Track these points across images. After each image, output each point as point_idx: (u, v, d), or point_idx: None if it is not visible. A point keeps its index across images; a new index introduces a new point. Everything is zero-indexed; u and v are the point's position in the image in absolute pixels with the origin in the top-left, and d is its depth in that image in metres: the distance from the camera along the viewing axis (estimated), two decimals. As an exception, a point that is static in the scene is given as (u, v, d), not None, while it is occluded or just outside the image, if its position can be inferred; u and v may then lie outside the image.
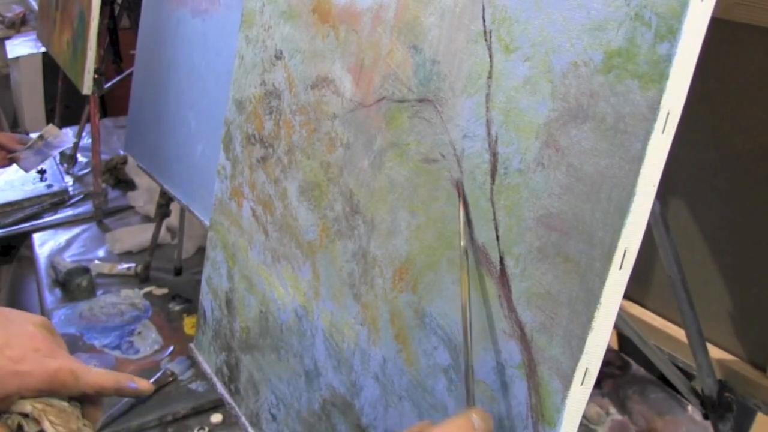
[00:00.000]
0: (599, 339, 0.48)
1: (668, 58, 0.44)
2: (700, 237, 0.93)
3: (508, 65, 0.55)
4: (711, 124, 0.87)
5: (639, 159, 0.45)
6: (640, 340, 0.79)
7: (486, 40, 0.57)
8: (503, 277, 0.54)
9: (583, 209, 0.48)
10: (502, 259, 0.55)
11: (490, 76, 0.56)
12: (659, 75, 0.44)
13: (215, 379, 1.03)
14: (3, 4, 3.98)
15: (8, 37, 3.59)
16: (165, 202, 1.66)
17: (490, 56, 0.56)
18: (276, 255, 0.86)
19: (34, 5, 3.60)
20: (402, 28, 0.66)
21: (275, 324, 0.87)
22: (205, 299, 1.06)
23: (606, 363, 1.42)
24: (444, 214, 0.60)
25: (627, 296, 1.04)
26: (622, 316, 0.85)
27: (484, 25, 0.57)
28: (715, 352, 0.90)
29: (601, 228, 0.47)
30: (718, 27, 0.48)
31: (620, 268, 0.46)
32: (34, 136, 1.71)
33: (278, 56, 0.86)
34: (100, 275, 1.77)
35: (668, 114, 0.44)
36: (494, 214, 0.55)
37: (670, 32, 0.44)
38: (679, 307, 0.77)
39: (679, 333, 0.94)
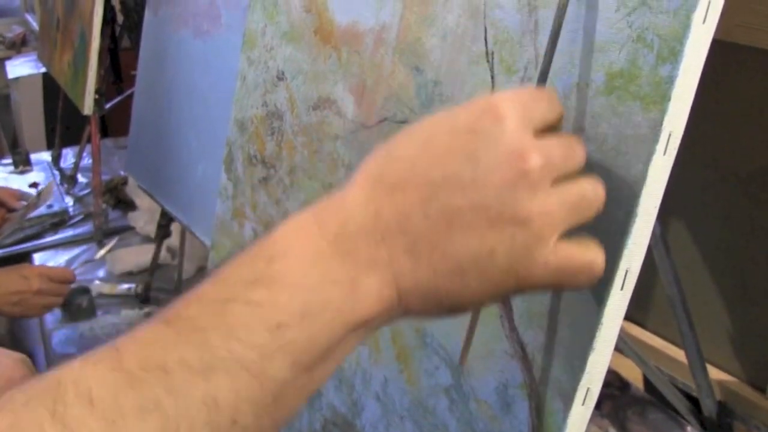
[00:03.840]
0: (601, 359, 0.48)
1: (670, 80, 0.44)
2: (699, 258, 0.93)
3: (510, 86, 0.55)
4: (711, 144, 0.88)
5: (641, 180, 0.45)
6: (640, 361, 0.79)
7: (488, 61, 0.57)
8: (504, 297, 0.55)
9: (584, 229, 0.49)
10: (504, 279, 0.55)
11: (491, 98, 0.57)
12: (661, 96, 0.44)
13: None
14: (4, 25, 4.00)
15: (9, 58, 3.61)
16: (166, 222, 1.66)
17: (492, 77, 0.57)
18: (277, 275, 0.86)
19: (35, 26, 3.63)
20: (404, 49, 0.67)
21: (276, 344, 0.87)
22: (206, 319, 1.06)
23: (606, 384, 1.42)
24: (446, 235, 0.61)
25: (627, 317, 1.04)
26: (622, 337, 0.85)
27: (486, 47, 0.58)
28: (714, 373, 0.90)
29: (603, 248, 0.47)
30: (719, 48, 0.48)
31: (621, 289, 0.46)
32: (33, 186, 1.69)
33: (280, 77, 0.87)
34: (101, 295, 1.76)
35: (670, 135, 0.45)
36: (496, 234, 0.55)
37: (672, 54, 0.44)
38: (678, 327, 0.78)
39: (679, 354, 0.94)
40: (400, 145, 0.42)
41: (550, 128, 0.42)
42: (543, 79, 0.51)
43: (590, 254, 0.42)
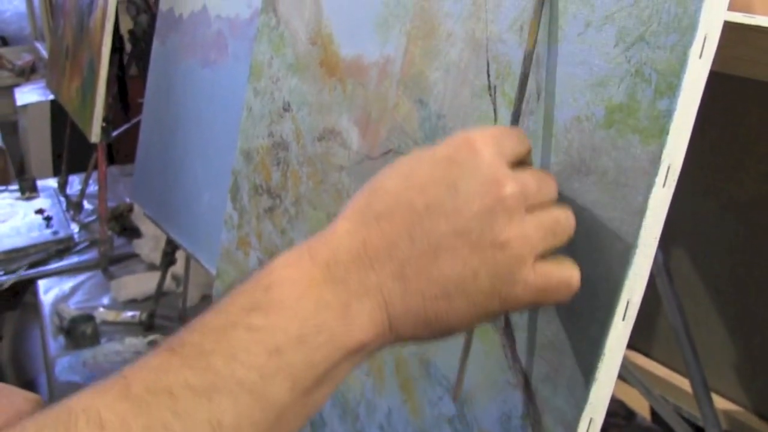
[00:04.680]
0: (603, 389, 0.48)
1: (668, 114, 0.45)
2: (703, 286, 0.93)
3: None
4: (712, 174, 0.88)
5: (641, 212, 0.45)
6: (645, 390, 0.79)
7: (490, 95, 0.58)
8: (507, 328, 0.55)
9: (586, 261, 0.49)
10: (506, 310, 0.55)
11: (494, 130, 0.57)
12: (659, 130, 0.45)
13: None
14: (14, 52, 4.05)
15: (18, 85, 3.65)
16: (171, 250, 1.66)
17: (495, 111, 0.58)
18: (282, 304, 0.87)
19: (44, 53, 3.67)
20: (408, 82, 0.68)
21: (280, 373, 0.87)
22: (210, 347, 1.06)
23: (611, 413, 1.41)
24: (449, 265, 0.61)
25: (631, 346, 1.04)
26: (626, 366, 0.85)
27: (489, 80, 0.59)
28: (720, 403, 0.90)
29: (604, 279, 0.47)
30: (717, 80, 0.49)
31: (623, 320, 0.47)
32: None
33: (286, 108, 0.88)
34: (105, 323, 1.77)
35: (669, 168, 0.45)
36: (499, 265, 0.56)
37: (670, 88, 0.45)
38: (683, 357, 0.78)
39: (684, 383, 0.94)
40: (384, 179, 0.45)
41: (522, 162, 0.46)
42: (515, 119, 0.55)
43: (566, 271, 0.45)
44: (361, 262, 0.42)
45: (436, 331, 0.44)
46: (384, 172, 0.46)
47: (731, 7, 0.47)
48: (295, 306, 0.41)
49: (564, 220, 0.46)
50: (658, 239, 0.46)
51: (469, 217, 0.42)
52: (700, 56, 0.44)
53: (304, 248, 0.44)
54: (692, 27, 0.44)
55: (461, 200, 0.42)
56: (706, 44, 0.44)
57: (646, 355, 1.02)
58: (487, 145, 0.44)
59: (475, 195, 0.42)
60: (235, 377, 0.38)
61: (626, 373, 0.86)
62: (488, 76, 0.59)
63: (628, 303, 0.46)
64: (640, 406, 1.23)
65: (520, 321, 0.54)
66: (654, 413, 1.33)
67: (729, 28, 0.47)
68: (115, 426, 0.35)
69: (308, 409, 0.42)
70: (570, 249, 0.50)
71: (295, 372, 0.40)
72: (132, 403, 0.36)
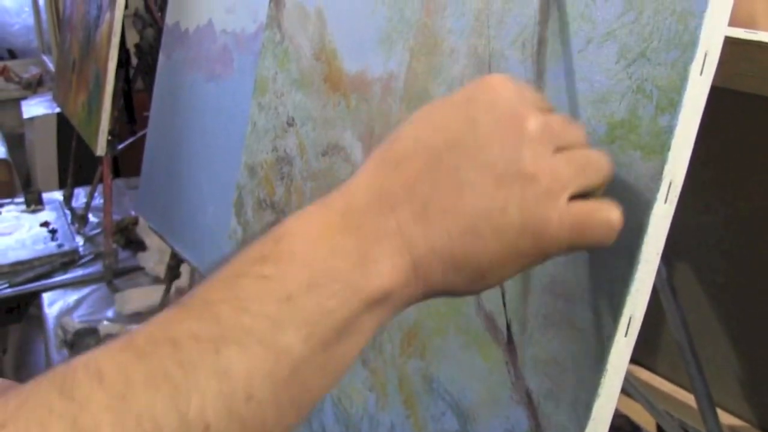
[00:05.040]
0: (606, 405, 0.48)
1: (669, 130, 0.45)
2: (707, 301, 0.93)
3: (513, 136, 0.56)
4: (714, 187, 0.88)
5: (642, 228, 0.46)
6: (649, 406, 0.79)
7: (492, 111, 0.59)
8: (510, 344, 0.55)
9: (588, 277, 0.49)
10: (509, 326, 0.55)
11: (496, 146, 0.58)
12: (661, 146, 0.45)
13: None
14: (21, 65, 4.08)
15: (25, 98, 3.67)
16: (175, 263, 1.67)
17: (497, 127, 0.58)
18: (285, 318, 0.87)
19: (51, 66, 3.69)
20: (411, 97, 0.68)
21: (283, 387, 0.87)
22: (214, 361, 1.06)
23: (616, 428, 1.40)
24: (452, 281, 0.61)
25: (635, 360, 1.04)
26: (630, 381, 0.85)
27: (491, 97, 0.59)
28: (725, 418, 0.89)
29: (606, 296, 0.48)
30: (719, 95, 0.49)
31: (626, 335, 0.47)
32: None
33: (290, 123, 0.88)
34: (109, 336, 1.77)
35: (670, 184, 0.45)
36: (501, 281, 0.56)
37: (671, 105, 0.45)
38: (687, 371, 0.77)
39: (689, 398, 0.93)
40: (403, 127, 0.44)
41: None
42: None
43: (605, 209, 0.42)
44: (379, 207, 0.40)
45: (468, 275, 0.41)
46: (402, 124, 0.44)
47: (734, 21, 0.47)
48: (307, 255, 0.39)
49: (597, 160, 0.43)
50: (660, 255, 0.46)
51: (491, 150, 0.40)
52: (701, 73, 0.45)
53: (319, 202, 0.42)
54: (693, 43, 0.44)
55: (482, 134, 0.41)
56: (706, 61, 0.45)
57: (650, 369, 1.01)
58: (507, 85, 0.42)
59: (496, 128, 0.41)
60: (244, 326, 0.36)
61: (630, 388, 0.86)
62: (491, 92, 0.59)
63: (630, 319, 0.46)
64: (646, 421, 1.22)
65: (522, 337, 0.54)
66: (659, 428, 1.32)
67: (731, 43, 0.48)
68: (113, 375, 0.33)
69: (329, 367, 0.39)
70: (571, 264, 0.50)
71: (309, 320, 0.37)
72: (132, 353, 0.34)
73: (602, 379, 0.47)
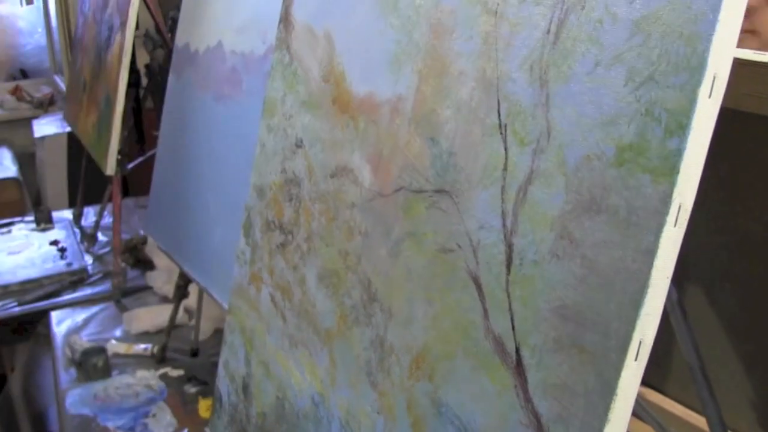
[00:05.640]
0: (616, 430, 0.47)
1: (678, 153, 0.45)
2: (718, 323, 0.93)
3: (522, 158, 0.56)
4: (725, 210, 0.88)
5: (652, 251, 0.45)
6: (660, 429, 0.78)
7: (501, 133, 0.59)
8: (519, 368, 0.55)
9: (597, 300, 0.49)
10: (518, 350, 0.55)
11: (505, 169, 0.58)
12: (670, 169, 0.45)
13: (229, 464, 1.02)
14: (33, 85, 4.11)
15: (36, 117, 3.70)
16: (184, 283, 1.67)
17: (506, 149, 0.58)
18: (294, 341, 0.87)
19: (63, 86, 3.72)
20: (419, 120, 0.69)
21: (292, 410, 0.87)
22: (222, 383, 1.06)
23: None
24: (460, 304, 0.61)
25: (646, 383, 1.03)
26: (641, 404, 0.84)
27: (500, 119, 0.59)
28: (737, 442, 0.88)
29: (616, 319, 0.47)
30: (728, 117, 0.49)
31: (636, 360, 0.46)
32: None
33: (299, 145, 0.89)
34: (116, 355, 1.77)
35: (680, 207, 0.45)
36: (510, 304, 0.56)
37: (680, 128, 0.45)
38: (699, 394, 0.77)
39: (701, 421, 0.92)
40: None
41: None
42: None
43: None
44: None
45: None
46: None
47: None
48: None
49: None
50: (670, 279, 0.46)
51: None
52: (710, 95, 0.45)
53: None
54: (701, 66, 0.44)
55: None
56: (715, 83, 0.45)
57: (661, 392, 1.01)
58: None
59: None
60: None
61: (641, 411, 0.85)
62: (499, 114, 0.59)
63: (640, 343, 0.46)
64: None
65: (531, 361, 0.54)
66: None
67: (740, 65, 0.48)
68: None
69: None
70: (581, 288, 0.50)
71: None
72: None
73: (612, 404, 0.47)
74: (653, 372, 1.00)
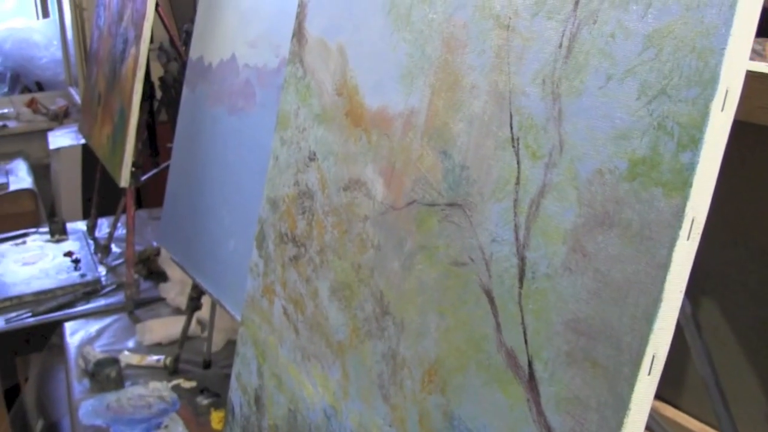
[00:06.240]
0: (630, 445, 0.47)
1: (691, 167, 0.45)
2: (732, 336, 0.92)
3: (535, 171, 0.56)
4: (739, 223, 0.87)
5: (665, 265, 0.45)
6: (674, 444, 0.77)
7: (514, 146, 0.59)
8: (532, 381, 0.55)
9: (610, 314, 0.49)
10: (530, 363, 0.55)
11: (517, 182, 0.58)
12: (683, 183, 0.45)
13: (241, 477, 1.02)
14: (48, 97, 4.15)
15: (51, 129, 3.73)
16: (196, 295, 1.67)
17: (518, 162, 0.58)
18: (306, 353, 0.87)
19: (78, 99, 3.75)
20: (432, 133, 0.69)
21: (304, 423, 0.87)
22: (234, 395, 1.06)
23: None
24: (473, 317, 0.61)
25: (660, 397, 1.02)
26: (655, 418, 0.83)
27: (512, 133, 0.59)
28: (752, 457, 0.87)
29: (629, 333, 0.47)
30: (742, 129, 0.49)
31: (649, 374, 0.46)
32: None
33: (312, 158, 0.89)
34: (129, 366, 1.77)
35: (693, 220, 0.45)
36: (522, 318, 0.56)
37: (692, 141, 0.45)
38: (713, 408, 0.76)
39: (715, 436, 0.92)
40: None
41: None
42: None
43: None
44: None
45: None
46: None
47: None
48: None
49: None
50: (683, 293, 0.46)
51: None
52: (722, 109, 0.45)
53: None
54: (714, 80, 0.44)
55: None
56: (728, 97, 0.45)
57: (676, 406, 1.00)
58: None
59: None
60: None
61: (655, 425, 0.85)
62: (511, 127, 0.59)
63: (653, 357, 0.46)
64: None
65: (544, 374, 0.54)
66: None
67: (753, 77, 0.48)
68: None
69: None
70: (594, 302, 0.50)
71: None
72: None
73: (625, 418, 0.47)
74: (668, 386, 1.00)
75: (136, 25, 1.91)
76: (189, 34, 2.00)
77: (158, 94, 2.46)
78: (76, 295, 2.13)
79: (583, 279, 0.51)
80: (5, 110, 4.08)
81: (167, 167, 1.84)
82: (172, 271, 2.12)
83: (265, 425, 0.97)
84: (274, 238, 0.97)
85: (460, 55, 0.66)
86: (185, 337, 1.75)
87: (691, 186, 0.45)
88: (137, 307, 2.06)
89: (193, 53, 1.66)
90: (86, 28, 3.57)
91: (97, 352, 1.81)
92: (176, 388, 1.67)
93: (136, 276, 2.14)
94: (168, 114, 2.46)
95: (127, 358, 1.80)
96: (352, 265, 0.79)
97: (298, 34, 0.95)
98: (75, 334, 1.94)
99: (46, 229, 2.57)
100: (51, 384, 2.04)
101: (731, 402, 0.75)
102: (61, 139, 3.41)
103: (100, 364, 1.71)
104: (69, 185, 3.30)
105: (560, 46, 0.56)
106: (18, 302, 2.09)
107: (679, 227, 0.45)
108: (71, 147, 3.28)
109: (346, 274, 0.80)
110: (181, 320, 1.80)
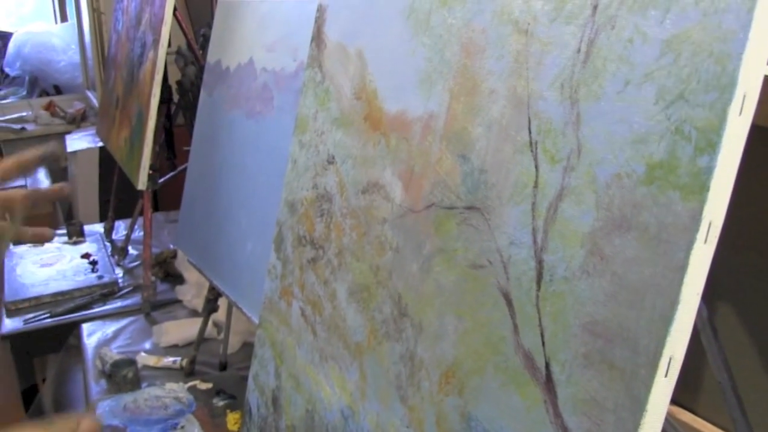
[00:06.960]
0: (647, 448, 0.48)
1: (708, 171, 0.45)
2: (749, 341, 0.92)
3: (553, 175, 0.57)
4: (757, 228, 0.87)
5: (682, 268, 0.46)
6: (690, 448, 0.77)
7: (532, 150, 0.59)
8: (549, 383, 0.55)
9: (627, 317, 0.49)
10: (548, 365, 0.55)
11: (536, 186, 0.58)
12: (700, 187, 0.46)
13: (258, 477, 1.03)
14: (66, 101, 4.19)
15: (69, 132, 3.77)
16: (213, 297, 1.68)
17: (536, 166, 0.59)
18: (324, 355, 0.87)
19: (95, 102, 3.79)
20: (451, 137, 0.69)
21: (321, 424, 0.88)
22: (252, 396, 1.07)
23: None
24: (490, 320, 0.62)
25: (676, 402, 1.02)
26: (671, 423, 0.83)
27: (530, 137, 0.60)
28: (769, 462, 0.87)
29: (646, 336, 0.48)
30: (759, 134, 0.49)
31: (666, 376, 0.47)
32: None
33: (330, 161, 0.90)
34: (146, 367, 1.79)
35: (710, 224, 0.45)
36: (540, 320, 0.56)
37: (710, 146, 0.45)
38: (730, 413, 0.76)
39: (731, 441, 0.91)
40: None
41: None
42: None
43: None
44: None
45: None
46: None
47: None
48: None
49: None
50: (700, 295, 0.46)
51: None
52: (740, 113, 0.45)
53: None
54: (731, 85, 0.45)
55: None
56: (745, 102, 0.45)
57: (692, 411, 1.00)
58: None
59: None
60: None
61: (671, 430, 0.85)
62: (530, 132, 0.60)
63: (670, 360, 0.46)
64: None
65: (561, 376, 0.54)
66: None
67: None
68: None
69: None
70: (611, 304, 0.50)
71: None
72: None
73: (642, 420, 0.47)
74: (684, 391, 1.00)
75: (154, 30, 1.93)
76: (206, 38, 2.02)
77: (176, 97, 2.47)
78: (94, 297, 2.15)
79: (600, 282, 0.51)
80: (23, 113, 4.13)
81: (184, 170, 1.85)
82: (189, 274, 2.13)
83: (282, 426, 0.97)
84: (292, 240, 0.98)
85: (479, 59, 0.67)
86: (201, 338, 1.77)
87: (708, 190, 0.45)
88: (154, 309, 2.07)
89: (211, 57, 1.67)
90: (104, 32, 3.61)
91: (114, 353, 1.82)
92: (192, 390, 1.68)
93: (152, 278, 2.15)
94: (185, 117, 2.47)
95: (143, 359, 1.81)
96: (371, 267, 0.79)
97: (317, 38, 0.96)
98: (92, 335, 1.96)
99: (63, 231, 2.60)
100: (68, 385, 2.05)
101: (747, 407, 0.75)
102: (79, 142, 3.43)
103: (117, 365, 1.72)
104: (86, 188, 3.32)
105: (578, 51, 0.56)
106: (36, 303, 2.11)
107: (696, 230, 0.45)
108: (89, 150, 3.30)
109: (364, 276, 0.81)
110: (197, 322, 1.81)
